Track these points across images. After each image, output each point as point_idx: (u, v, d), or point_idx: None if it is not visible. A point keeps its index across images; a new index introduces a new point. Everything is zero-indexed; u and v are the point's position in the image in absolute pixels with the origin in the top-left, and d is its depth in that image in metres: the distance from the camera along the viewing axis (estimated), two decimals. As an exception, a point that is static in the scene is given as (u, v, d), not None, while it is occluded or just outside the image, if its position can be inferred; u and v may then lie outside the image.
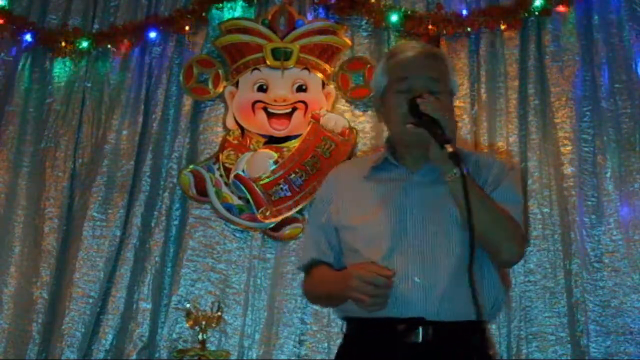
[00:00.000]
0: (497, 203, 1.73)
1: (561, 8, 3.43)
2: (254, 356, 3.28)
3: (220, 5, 3.67)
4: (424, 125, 1.66)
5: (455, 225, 1.73)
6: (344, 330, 1.90)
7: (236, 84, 3.56)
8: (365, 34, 3.61)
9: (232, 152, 3.48)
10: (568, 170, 3.26)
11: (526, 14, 3.44)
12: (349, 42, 3.55)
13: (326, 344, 3.21)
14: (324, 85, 3.52)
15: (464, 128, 3.40)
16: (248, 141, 3.49)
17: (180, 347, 3.26)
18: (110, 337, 3.32)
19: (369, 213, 1.83)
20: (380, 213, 1.80)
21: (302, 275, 3.30)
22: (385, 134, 3.39)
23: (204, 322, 3.11)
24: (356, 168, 1.98)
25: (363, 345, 1.79)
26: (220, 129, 3.54)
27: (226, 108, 3.55)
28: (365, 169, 1.92)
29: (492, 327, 3.16)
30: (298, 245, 3.36)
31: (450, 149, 1.59)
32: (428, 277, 1.71)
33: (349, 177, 1.96)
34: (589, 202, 3.26)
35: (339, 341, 2.44)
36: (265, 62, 3.55)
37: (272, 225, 3.38)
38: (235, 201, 3.42)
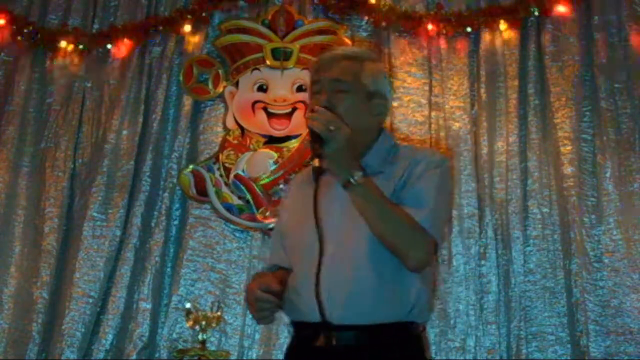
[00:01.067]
0: (399, 209, 1.72)
1: (561, 8, 3.43)
2: (254, 356, 3.28)
3: (220, 5, 3.67)
4: (311, 139, 1.72)
5: (366, 229, 1.73)
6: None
7: (236, 84, 3.56)
8: (365, 34, 3.61)
9: (232, 152, 3.48)
10: (568, 170, 3.26)
11: (526, 14, 3.44)
12: (349, 42, 3.55)
13: (326, 344, 3.21)
14: (324, 85, 3.51)
15: (464, 128, 3.40)
16: (248, 141, 3.49)
17: (180, 347, 3.26)
18: (110, 337, 3.32)
19: (296, 218, 1.85)
20: (304, 218, 1.81)
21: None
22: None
23: (204, 322, 3.11)
24: (307, 174, 1.97)
25: (293, 349, 1.85)
26: (220, 129, 3.54)
27: (226, 108, 3.55)
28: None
29: (492, 328, 3.16)
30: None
31: (314, 164, 1.67)
32: (336, 282, 1.71)
33: (299, 183, 1.99)
34: (589, 202, 3.26)
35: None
36: (265, 62, 3.55)
37: (272, 225, 3.37)
38: (235, 201, 3.42)
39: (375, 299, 1.71)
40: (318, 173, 1.68)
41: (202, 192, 3.44)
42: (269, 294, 1.72)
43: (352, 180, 1.66)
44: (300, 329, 1.80)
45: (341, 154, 1.67)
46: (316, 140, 1.67)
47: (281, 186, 3.40)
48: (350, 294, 1.70)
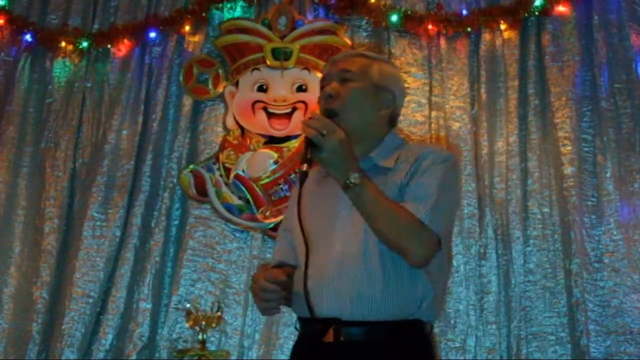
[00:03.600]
0: (397, 206, 1.73)
1: (561, 8, 3.43)
2: (254, 356, 3.28)
3: (220, 5, 3.67)
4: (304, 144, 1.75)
5: (368, 227, 1.76)
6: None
7: (236, 84, 3.56)
8: (365, 34, 3.61)
9: (232, 152, 3.48)
10: (568, 170, 3.26)
11: (526, 14, 3.44)
12: (349, 42, 3.55)
13: (326, 344, 3.20)
14: (323, 85, 3.51)
15: (464, 128, 3.40)
16: (248, 141, 3.49)
17: (180, 347, 3.26)
18: (110, 337, 3.32)
19: (302, 216, 1.85)
20: (309, 216, 1.83)
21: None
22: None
23: (204, 322, 3.11)
24: (317, 171, 2.01)
25: (299, 345, 1.87)
26: (220, 129, 3.54)
27: (226, 108, 3.55)
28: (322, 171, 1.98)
29: (492, 328, 3.16)
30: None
31: (302, 168, 1.70)
32: (343, 278, 1.75)
33: (308, 181, 1.98)
34: (589, 202, 3.25)
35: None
36: (265, 62, 3.55)
37: (272, 225, 3.38)
38: (235, 201, 3.42)
39: (381, 295, 1.73)
40: (303, 177, 1.71)
41: (202, 192, 3.44)
42: (274, 285, 1.75)
43: (348, 181, 1.69)
44: (308, 324, 1.81)
45: (335, 157, 1.69)
46: (308, 145, 1.71)
47: (281, 186, 3.40)
48: (358, 289, 1.73)
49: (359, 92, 1.87)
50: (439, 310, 1.95)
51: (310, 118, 1.74)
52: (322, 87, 1.92)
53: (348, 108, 1.84)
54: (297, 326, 1.89)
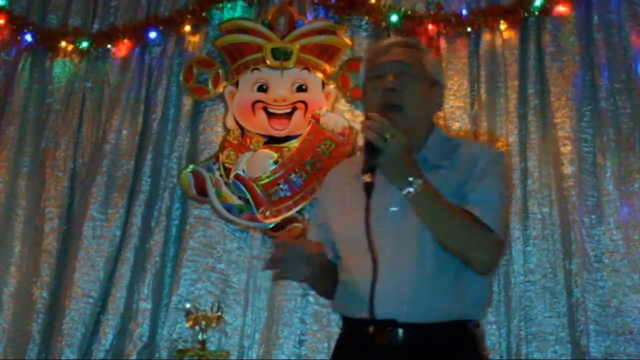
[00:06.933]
0: (463, 211, 1.68)
1: (561, 8, 3.43)
2: (254, 356, 3.28)
3: (220, 5, 3.67)
4: (364, 149, 1.66)
5: (425, 230, 1.71)
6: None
7: (236, 84, 3.56)
8: (365, 34, 3.61)
9: (232, 152, 3.48)
10: (568, 170, 3.26)
11: (526, 14, 3.44)
12: (349, 42, 3.55)
13: (326, 344, 3.21)
14: (324, 85, 3.52)
15: (464, 128, 3.40)
16: (248, 141, 3.49)
17: (180, 347, 3.26)
18: (110, 337, 3.32)
19: (349, 212, 1.82)
20: (359, 212, 1.73)
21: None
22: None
23: (204, 322, 3.11)
24: (351, 166, 1.95)
25: (345, 345, 1.82)
26: (220, 129, 3.54)
27: (226, 108, 3.55)
28: (359, 167, 1.91)
29: (492, 327, 3.16)
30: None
31: (366, 179, 1.60)
32: (399, 279, 1.69)
33: (341, 177, 1.97)
34: (589, 202, 3.25)
35: (339, 341, 2.34)
36: (265, 62, 3.55)
37: (272, 225, 3.38)
38: (235, 201, 3.42)
39: (438, 298, 1.69)
40: (369, 189, 1.60)
41: (202, 192, 3.44)
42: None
43: (411, 188, 1.62)
44: (358, 325, 1.75)
45: (397, 163, 1.63)
46: (370, 150, 1.61)
47: (281, 186, 3.40)
48: (414, 291, 1.68)
49: (420, 87, 1.79)
50: (489, 307, 1.91)
51: (368, 119, 1.65)
52: (370, 78, 1.83)
53: (412, 103, 1.76)
54: (341, 325, 1.85)
